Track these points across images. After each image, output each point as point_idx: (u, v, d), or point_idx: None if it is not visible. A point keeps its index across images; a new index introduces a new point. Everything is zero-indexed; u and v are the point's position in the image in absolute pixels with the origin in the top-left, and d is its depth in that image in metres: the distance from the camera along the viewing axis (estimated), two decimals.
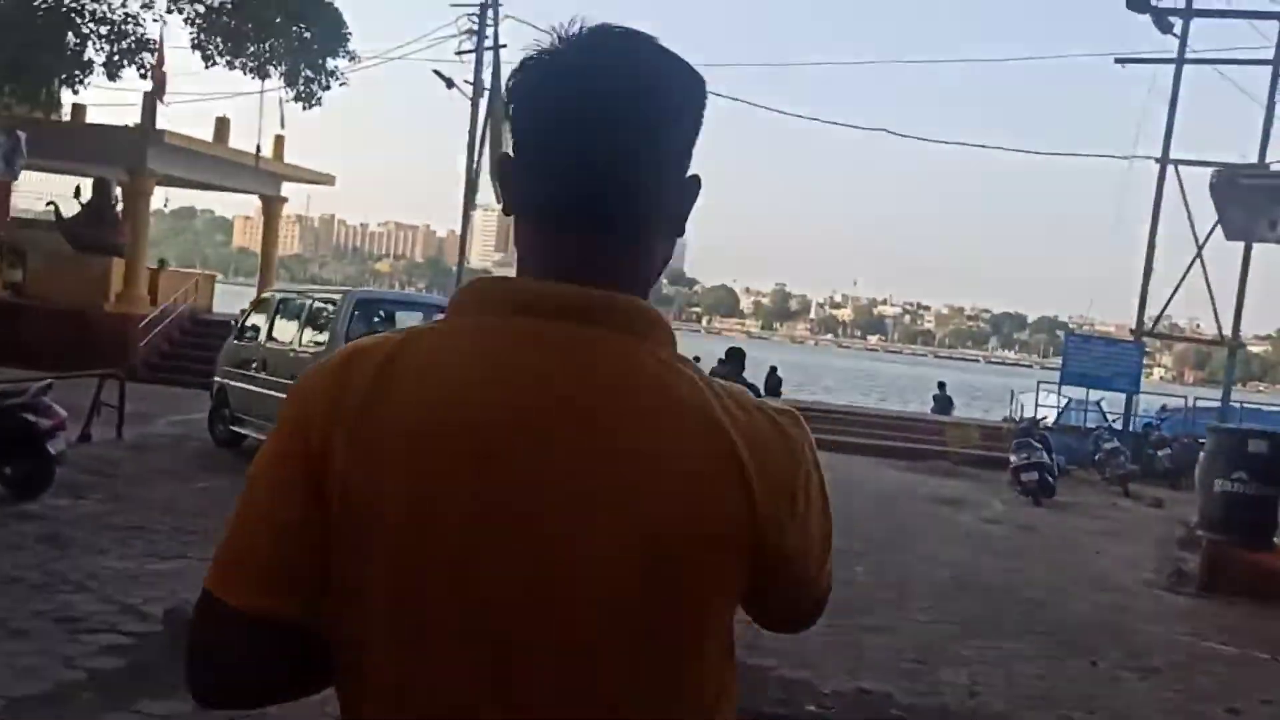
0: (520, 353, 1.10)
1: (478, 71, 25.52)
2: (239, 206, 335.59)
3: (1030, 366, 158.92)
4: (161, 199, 30.74)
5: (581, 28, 1.16)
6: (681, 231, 1.23)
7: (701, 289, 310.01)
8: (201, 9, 24.54)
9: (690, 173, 1.20)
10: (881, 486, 17.19)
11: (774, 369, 26.35)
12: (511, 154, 1.18)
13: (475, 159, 24.80)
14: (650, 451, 1.07)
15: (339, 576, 1.10)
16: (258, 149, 27.20)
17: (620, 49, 1.16)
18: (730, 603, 1.15)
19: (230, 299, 33.16)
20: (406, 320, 12.50)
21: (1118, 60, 23.69)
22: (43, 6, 21.90)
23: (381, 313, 12.14)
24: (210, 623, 1.13)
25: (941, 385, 29.34)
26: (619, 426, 1.08)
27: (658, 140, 1.16)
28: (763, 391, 11.90)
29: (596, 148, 1.13)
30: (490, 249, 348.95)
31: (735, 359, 11.45)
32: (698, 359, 1.52)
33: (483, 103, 24.62)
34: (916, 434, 24.18)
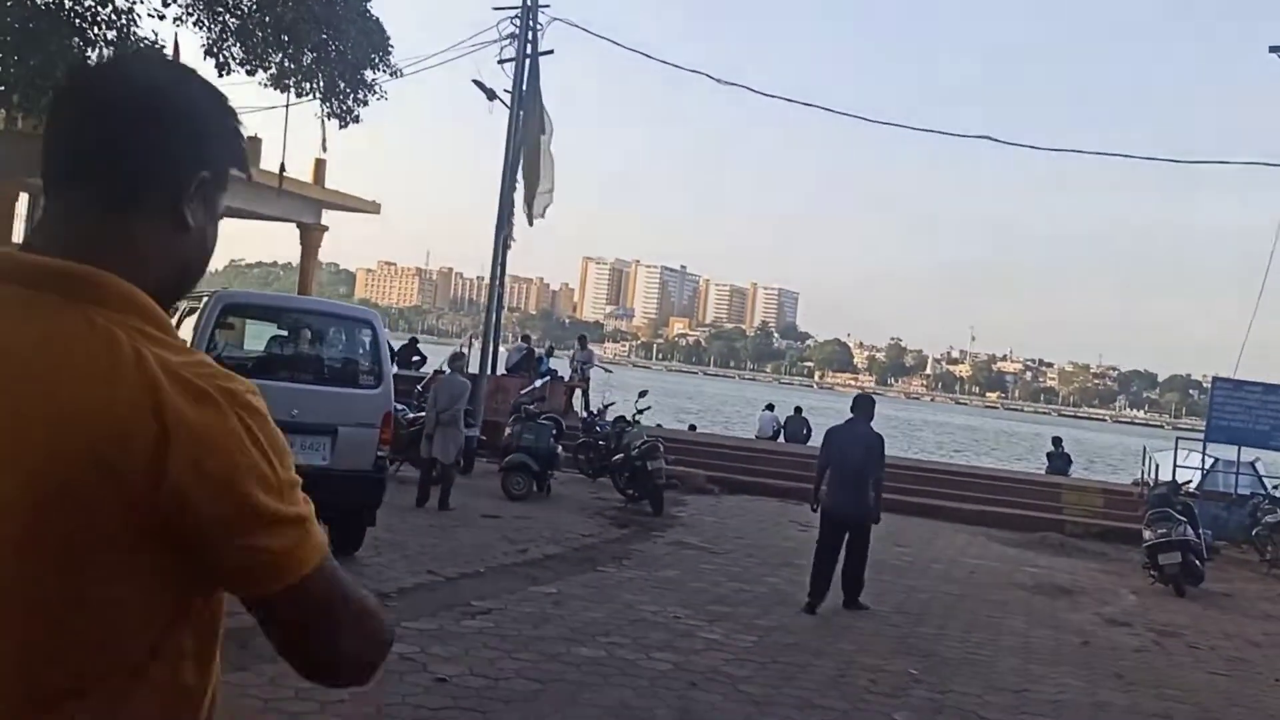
0: None
1: (517, 81, 22.41)
2: (361, 260, 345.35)
3: (1161, 426, 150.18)
4: None
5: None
6: (181, 222, 1.32)
7: (814, 343, 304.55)
8: (225, 15, 22.22)
9: (203, 173, 1.33)
10: (973, 568, 13.34)
11: (799, 409, 26.80)
12: None
13: (510, 177, 21.69)
14: (40, 414, 1.16)
15: None
16: (281, 168, 24.60)
17: (122, 63, 1.41)
18: (133, 562, 1.19)
19: None
20: (268, 328, 9.43)
21: (1273, 49, 19.65)
22: (43, 5, 19.71)
23: (253, 318, 9.12)
24: None
25: (1057, 441, 25.07)
26: (14, 388, 1.17)
27: (138, 132, 1.29)
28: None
29: (75, 131, 1.30)
30: (603, 300, 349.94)
31: (863, 407, 10.52)
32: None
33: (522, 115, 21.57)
34: (1025, 498, 20.08)
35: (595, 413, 18.22)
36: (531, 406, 15.85)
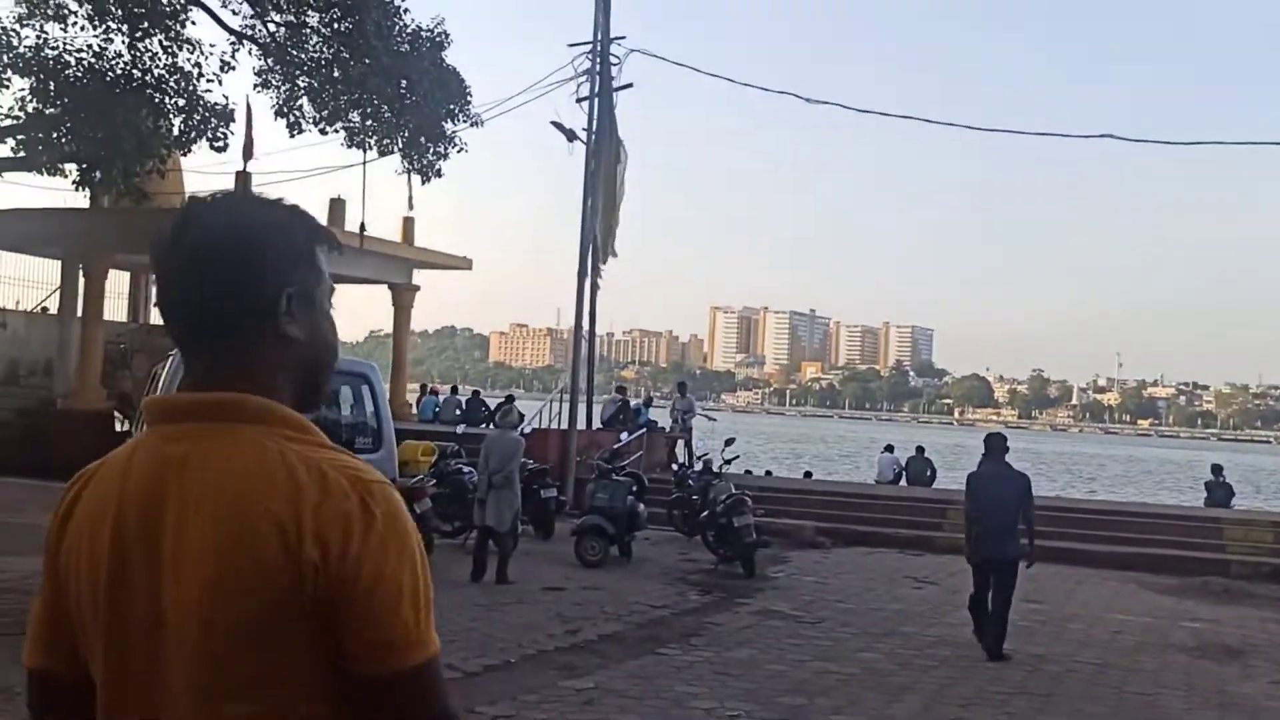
0: (141, 453, 1.47)
1: (591, 118, 21.21)
2: (495, 323, 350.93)
3: None
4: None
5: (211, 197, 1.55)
6: (284, 337, 1.48)
7: (952, 379, 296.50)
8: (298, 75, 21.78)
9: (288, 289, 1.48)
10: (1119, 626, 11.34)
11: (920, 449, 24.94)
12: None
13: (590, 219, 20.48)
14: (211, 515, 1.39)
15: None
16: (361, 228, 23.97)
17: (200, 213, 1.51)
18: (297, 645, 1.38)
19: None
20: None
21: None
22: (121, 82, 19.48)
23: None
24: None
25: (1217, 469, 22.47)
26: (190, 497, 1.41)
27: (219, 278, 1.46)
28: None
29: (175, 292, 1.49)
30: (733, 349, 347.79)
31: (998, 447, 10.03)
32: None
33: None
34: (1182, 536, 17.75)
35: (684, 465, 16.70)
36: (604, 463, 14.38)
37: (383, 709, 1.38)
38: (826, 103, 21.04)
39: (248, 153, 22.08)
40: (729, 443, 15.11)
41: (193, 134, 20.45)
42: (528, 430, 18.95)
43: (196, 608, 1.37)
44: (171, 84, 19.94)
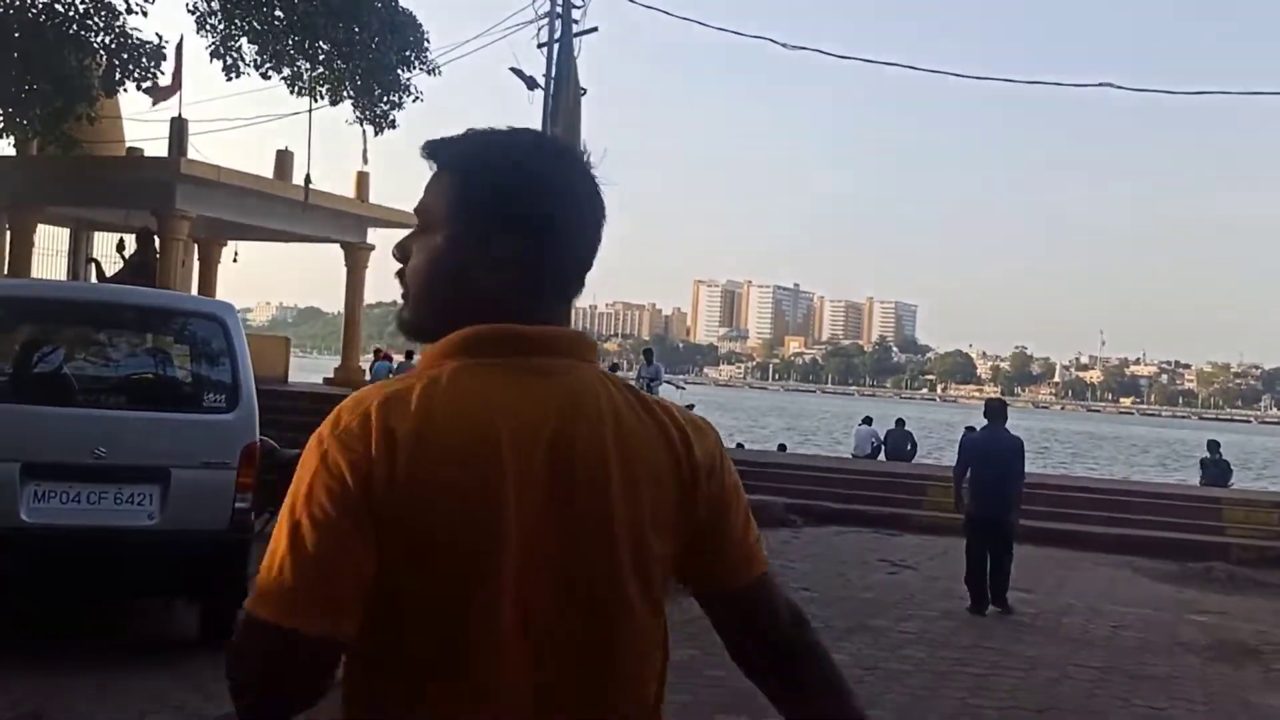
0: (509, 377, 1.38)
1: (550, 65, 19.70)
2: None
3: None
4: (231, 252, 26.33)
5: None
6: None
7: (935, 356, 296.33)
8: (235, 12, 20.20)
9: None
10: (1119, 619, 10.00)
11: (900, 421, 23.78)
12: None
13: None
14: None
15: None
16: (306, 180, 22.38)
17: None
18: None
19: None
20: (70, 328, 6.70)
21: None
22: (42, 19, 17.85)
23: (42, 319, 6.47)
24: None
25: (1213, 446, 21.23)
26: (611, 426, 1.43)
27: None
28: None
29: (586, 243, 1.55)
30: (716, 323, 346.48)
31: (998, 412, 10.56)
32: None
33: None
34: (1180, 517, 16.48)
35: None
36: None
37: None
38: (804, 48, 20.41)
39: (159, 93, 20.41)
40: (688, 409, 13.74)
41: (118, 75, 18.87)
42: None
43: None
44: (97, 19, 18.39)
